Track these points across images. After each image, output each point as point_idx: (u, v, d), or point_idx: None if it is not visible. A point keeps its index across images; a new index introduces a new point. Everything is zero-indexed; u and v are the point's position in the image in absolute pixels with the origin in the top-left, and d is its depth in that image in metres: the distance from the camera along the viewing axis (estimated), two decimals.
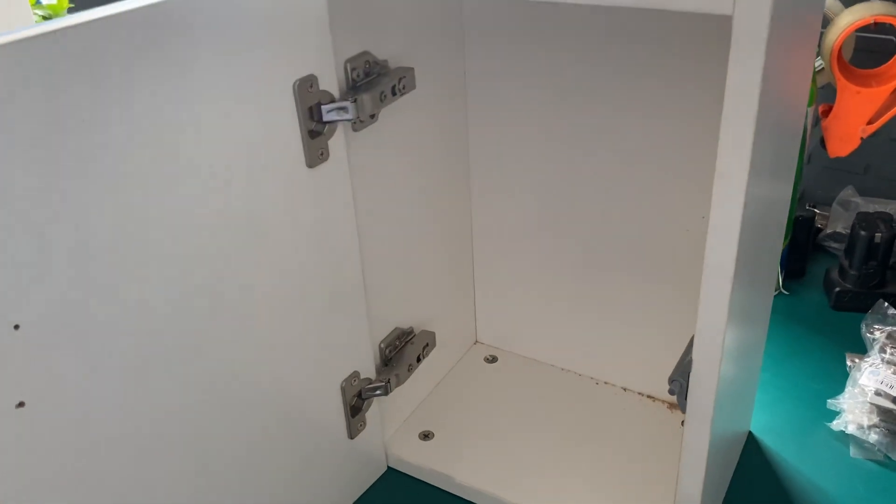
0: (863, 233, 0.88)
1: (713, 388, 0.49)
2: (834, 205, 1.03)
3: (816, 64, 0.87)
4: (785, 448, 0.73)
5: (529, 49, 0.69)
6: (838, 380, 0.79)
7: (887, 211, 0.94)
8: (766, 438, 0.74)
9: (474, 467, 0.71)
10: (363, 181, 0.63)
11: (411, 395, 0.78)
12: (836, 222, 1.01)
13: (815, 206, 1.06)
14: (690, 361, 0.50)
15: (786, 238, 0.92)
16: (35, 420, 0.41)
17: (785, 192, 0.63)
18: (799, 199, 1.07)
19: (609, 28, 0.65)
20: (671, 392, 0.52)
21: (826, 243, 1.02)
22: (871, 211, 0.93)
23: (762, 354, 0.72)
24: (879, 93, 0.84)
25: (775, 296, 0.93)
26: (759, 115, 0.41)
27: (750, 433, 0.75)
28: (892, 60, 0.83)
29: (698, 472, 0.53)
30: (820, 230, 1.03)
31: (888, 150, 1.01)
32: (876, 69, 0.85)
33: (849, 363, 0.81)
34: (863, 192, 1.03)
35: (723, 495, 0.68)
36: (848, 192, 1.03)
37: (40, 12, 1.24)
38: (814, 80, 0.85)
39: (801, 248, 0.95)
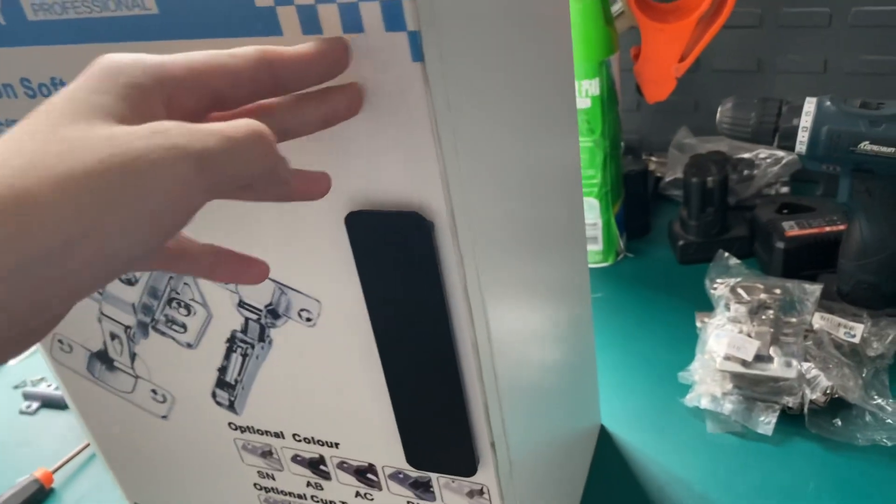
0: (694, 180, 0.81)
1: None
2: (670, 149, 0.97)
3: (615, 8, 0.80)
4: (640, 437, 0.66)
5: None
6: (690, 345, 0.72)
7: (720, 149, 0.89)
8: (619, 430, 0.67)
9: None
10: None
11: None
12: (675, 168, 0.95)
13: (652, 155, 1.00)
14: None
15: (619, 198, 0.85)
16: None
17: (562, 149, 0.53)
18: (634, 149, 1.01)
19: None
20: None
21: (669, 192, 0.96)
22: (703, 152, 0.87)
23: (592, 340, 0.64)
24: (683, 27, 0.77)
25: (620, 261, 0.87)
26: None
27: (602, 426, 0.68)
28: None
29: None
30: (660, 179, 0.96)
31: (712, 82, 0.95)
32: (675, 2, 0.78)
33: (698, 323, 0.74)
34: (698, 132, 0.98)
35: (577, 501, 0.61)
36: (682, 134, 0.97)
37: None
38: (613, 26, 0.78)
39: (639, 203, 0.89)
